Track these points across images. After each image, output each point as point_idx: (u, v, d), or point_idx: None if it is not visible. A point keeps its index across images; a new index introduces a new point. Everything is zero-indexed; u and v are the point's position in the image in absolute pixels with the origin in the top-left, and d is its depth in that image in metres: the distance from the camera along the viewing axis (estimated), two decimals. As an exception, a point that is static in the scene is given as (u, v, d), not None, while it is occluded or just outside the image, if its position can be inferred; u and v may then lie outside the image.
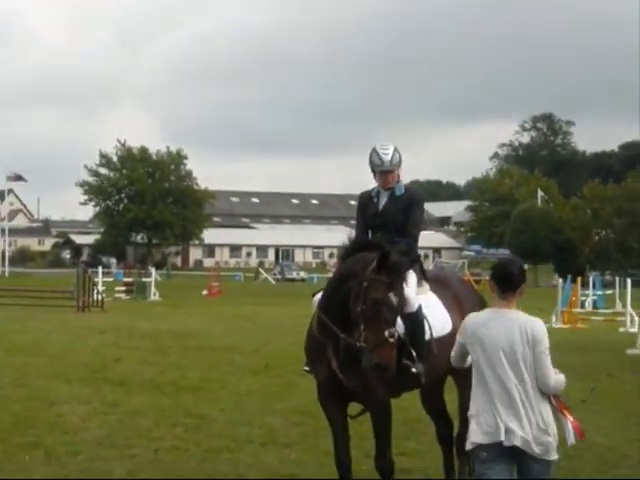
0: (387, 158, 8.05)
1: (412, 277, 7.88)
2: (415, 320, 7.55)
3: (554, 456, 5.74)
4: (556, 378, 5.77)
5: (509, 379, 5.67)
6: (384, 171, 8.10)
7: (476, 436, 5.77)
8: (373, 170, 8.19)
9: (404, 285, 7.12)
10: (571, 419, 5.96)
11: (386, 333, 6.72)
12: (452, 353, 6.20)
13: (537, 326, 5.74)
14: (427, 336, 7.63)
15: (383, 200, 8.20)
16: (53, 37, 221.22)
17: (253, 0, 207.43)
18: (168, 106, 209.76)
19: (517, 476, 5.78)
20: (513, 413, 5.65)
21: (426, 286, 8.03)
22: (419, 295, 7.75)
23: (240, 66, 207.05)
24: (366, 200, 8.33)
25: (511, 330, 5.68)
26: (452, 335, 6.92)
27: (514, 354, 5.66)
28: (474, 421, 5.82)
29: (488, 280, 6.16)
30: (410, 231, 8.13)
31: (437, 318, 7.78)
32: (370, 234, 8.30)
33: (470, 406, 5.91)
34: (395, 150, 8.10)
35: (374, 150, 8.12)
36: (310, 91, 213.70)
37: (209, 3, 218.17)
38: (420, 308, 7.61)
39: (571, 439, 5.94)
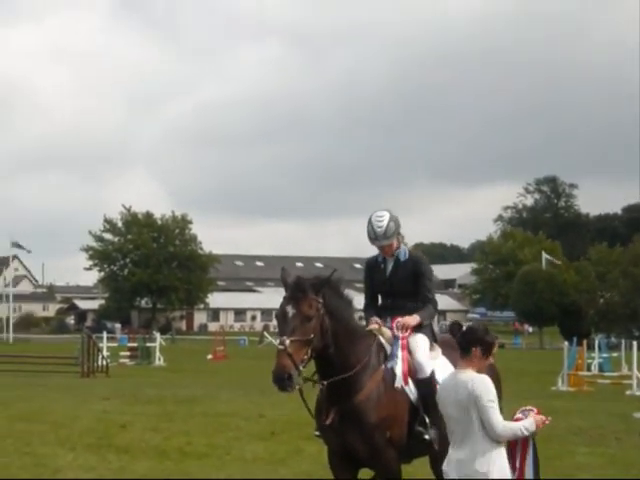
0: (381, 232, 7.94)
1: (424, 341, 7.85)
2: (428, 386, 7.52)
3: None
4: (505, 424, 6.32)
5: (461, 431, 6.36)
6: (379, 246, 8.10)
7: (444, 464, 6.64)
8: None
9: (310, 298, 7.07)
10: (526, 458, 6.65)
11: (277, 342, 6.75)
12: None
13: (477, 382, 6.31)
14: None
15: (389, 266, 8.17)
16: (57, 102, 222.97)
17: (256, 65, 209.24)
18: (173, 171, 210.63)
19: None
20: (462, 457, 6.35)
21: (438, 350, 7.98)
22: (432, 360, 7.73)
23: (244, 131, 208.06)
24: (373, 266, 8.31)
25: (459, 389, 6.33)
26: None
27: (463, 410, 6.31)
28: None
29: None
30: (427, 297, 8.12)
31: None
32: (380, 300, 8.30)
33: None
34: (390, 220, 7.96)
35: (369, 221, 8.03)
36: (314, 154, 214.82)
37: (212, 70, 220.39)
38: (433, 373, 7.60)
39: (530, 474, 6.63)
